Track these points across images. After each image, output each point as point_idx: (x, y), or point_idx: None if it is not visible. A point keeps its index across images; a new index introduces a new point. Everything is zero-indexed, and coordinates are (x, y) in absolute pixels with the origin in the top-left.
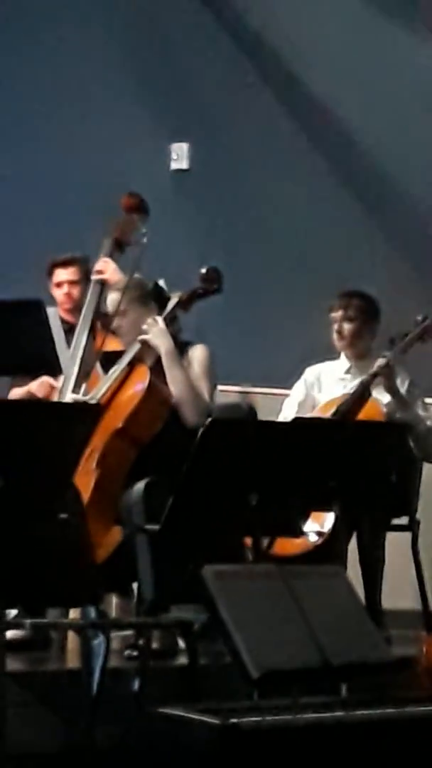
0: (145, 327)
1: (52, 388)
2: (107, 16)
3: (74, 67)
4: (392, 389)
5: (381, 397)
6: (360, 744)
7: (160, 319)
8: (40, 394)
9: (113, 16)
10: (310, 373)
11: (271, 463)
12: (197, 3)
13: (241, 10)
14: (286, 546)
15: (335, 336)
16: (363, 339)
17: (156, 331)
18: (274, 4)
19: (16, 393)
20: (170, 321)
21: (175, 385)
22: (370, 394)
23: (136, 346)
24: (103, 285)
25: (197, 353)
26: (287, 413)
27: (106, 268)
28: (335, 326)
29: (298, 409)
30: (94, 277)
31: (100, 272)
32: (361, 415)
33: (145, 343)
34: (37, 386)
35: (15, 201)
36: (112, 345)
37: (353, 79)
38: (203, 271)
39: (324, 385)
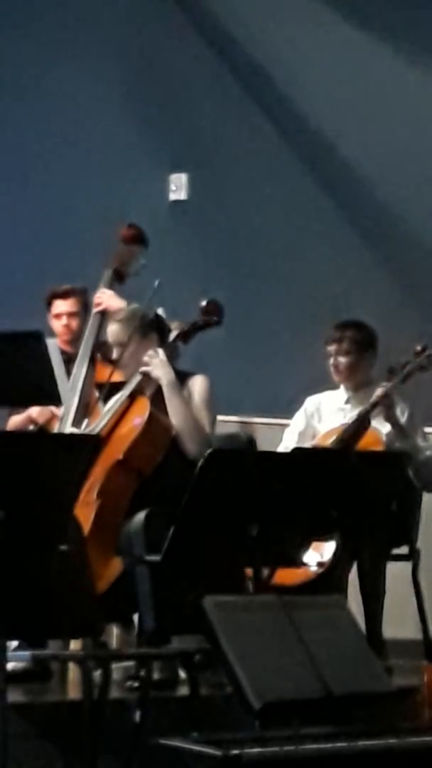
0: (146, 359)
1: (54, 414)
2: (106, 47)
3: (73, 98)
4: (392, 419)
5: (381, 426)
6: None
7: (161, 351)
8: (41, 420)
9: (112, 48)
10: (310, 403)
11: (271, 493)
12: (196, 35)
13: (240, 42)
14: (287, 576)
15: (332, 370)
16: (360, 371)
17: (157, 363)
18: (273, 36)
19: (16, 420)
20: (171, 353)
21: (175, 417)
22: (369, 424)
23: (137, 378)
24: (104, 316)
25: (197, 384)
26: (287, 443)
27: (104, 298)
28: (331, 360)
29: (299, 439)
30: (94, 309)
31: (98, 304)
32: (361, 445)
33: (146, 375)
34: (39, 412)
35: (13, 232)
36: (112, 376)
37: (352, 110)
38: (203, 303)
39: (324, 415)
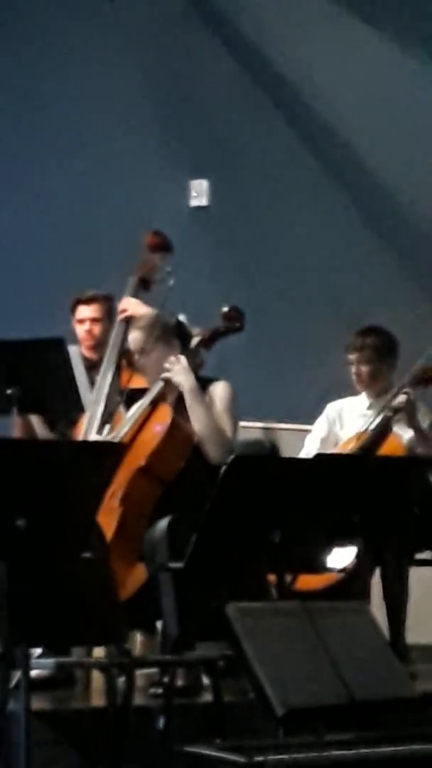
0: (167, 365)
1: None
2: (128, 54)
3: (95, 106)
4: (414, 425)
5: (403, 432)
6: None
7: (182, 358)
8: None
9: (133, 55)
10: (332, 409)
11: (293, 499)
12: (218, 42)
13: (261, 49)
14: (309, 581)
15: (354, 378)
16: (381, 378)
17: (178, 369)
18: (295, 42)
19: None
20: (192, 359)
21: (197, 423)
22: (391, 430)
23: (159, 385)
24: (128, 324)
25: (219, 390)
26: (309, 449)
27: (129, 305)
28: (353, 368)
29: (321, 445)
30: (119, 317)
31: (123, 311)
32: (383, 451)
33: (167, 381)
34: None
35: (37, 240)
36: (136, 382)
37: (373, 115)
38: (225, 309)
39: (346, 421)
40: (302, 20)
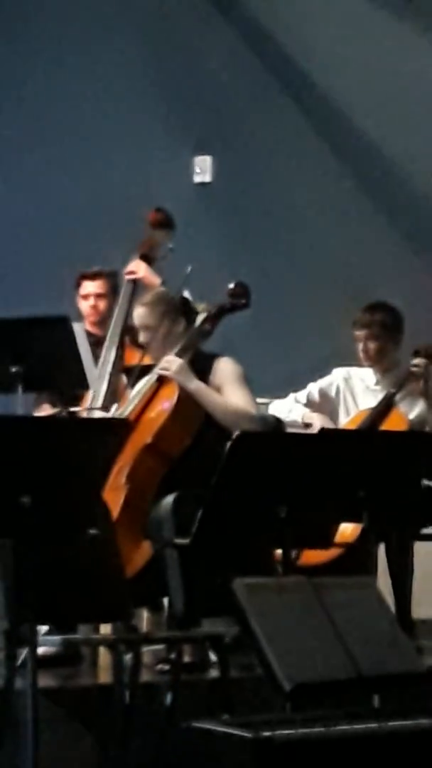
0: (164, 364)
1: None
2: (132, 30)
3: (99, 82)
4: (427, 392)
5: (408, 409)
6: (393, 755)
7: (176, 360)
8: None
9: (138, 31)
10: (339, 374)
11: (299, 474)
12: (222, 19)
13: (264, 25)
14: (312, 555)
15: (361, 354)
16: (389, 354)
17: (178, 369)
18: (299, 20)
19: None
20: (199, 336)
21: (217, 414)
22: (394, 405)
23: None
24: (136, 285)
25: (227, 367)
26: (310, 390)
27: (138, 268)
28: (360, 345)
29: (318, 396)
30: (127, 276)
31: (132, 272)
32: (385, 426)
33: (164, 378)
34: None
35: (41, 217)
36: (147, 361)
37: (378, 91)
38: (231, 286)
39: (355, 391)
40: None
